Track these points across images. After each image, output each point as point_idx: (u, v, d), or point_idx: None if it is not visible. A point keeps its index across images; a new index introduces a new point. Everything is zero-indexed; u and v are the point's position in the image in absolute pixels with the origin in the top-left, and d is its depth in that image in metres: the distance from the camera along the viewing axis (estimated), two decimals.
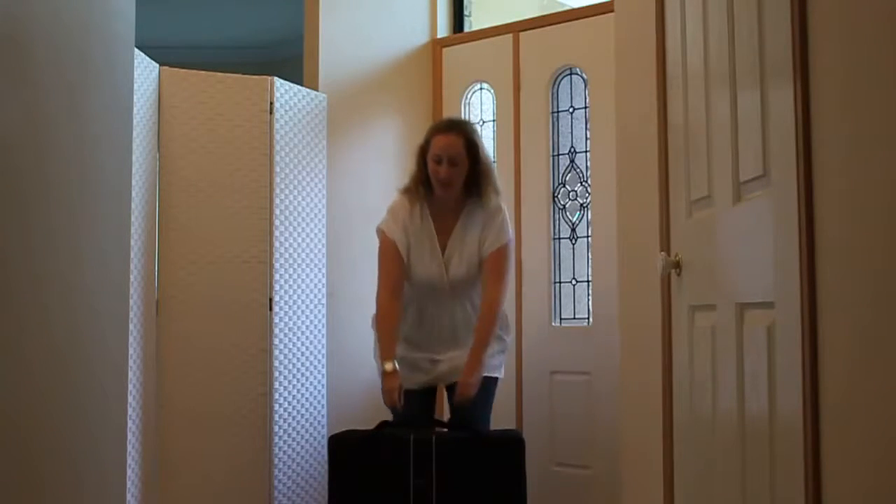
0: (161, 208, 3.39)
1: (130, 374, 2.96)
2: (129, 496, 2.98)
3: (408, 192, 3.23)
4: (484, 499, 2.96)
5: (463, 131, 3.19)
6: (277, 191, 3.60)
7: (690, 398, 2.19)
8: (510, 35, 4.20)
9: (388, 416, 3.13)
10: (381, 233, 3.22)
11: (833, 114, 1.45)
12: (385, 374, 3.05)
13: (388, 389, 3.04)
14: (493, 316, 3.16)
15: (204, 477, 3.40)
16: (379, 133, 4.26)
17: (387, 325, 3.14)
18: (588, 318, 3.97)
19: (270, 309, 3.55)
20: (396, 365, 3.07)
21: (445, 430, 3.13)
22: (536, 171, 4.08)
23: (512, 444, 3.04)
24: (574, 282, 4.02)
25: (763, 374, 1.70)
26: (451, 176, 3.13)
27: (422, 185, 3.20)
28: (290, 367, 3.63)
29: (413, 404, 3.14)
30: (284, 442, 3.59)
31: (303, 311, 3.70)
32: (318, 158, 3.82)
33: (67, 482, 1.62)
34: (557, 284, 4.04)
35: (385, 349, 3.11)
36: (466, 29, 4.55)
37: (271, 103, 3.61)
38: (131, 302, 2.94)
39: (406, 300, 3.24)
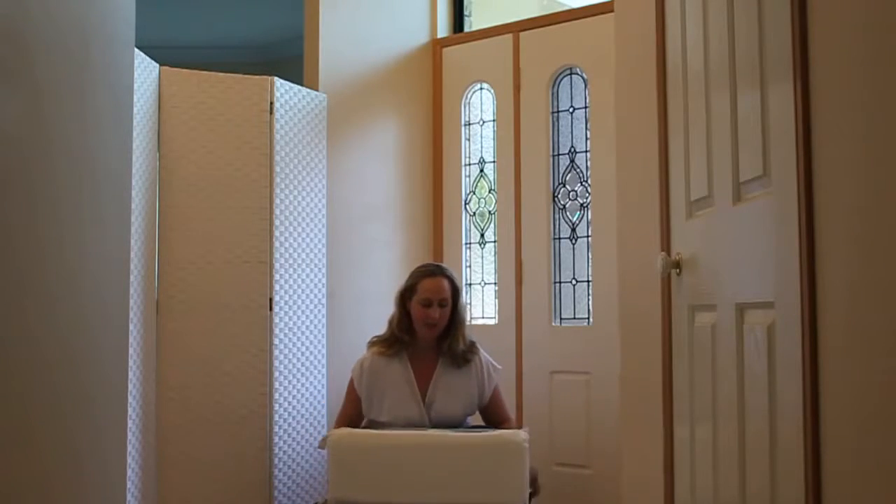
0: (161, 208, 3.39)
1: (130, 374, 2.96)
2: (129, 496, 2.98)
3: (386, 343, 3.29)
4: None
5: (448, 275, 3.33)
6: (277, 191, 3.60)
7: (690, 398, 2.19)
8: (510, 35, 4.20)
9: None
10: (349, 382, 3.32)
11: (833, 114, 1.45)
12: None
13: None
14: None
15: (204, 477, 3.40)
16: (379, 133, 4.26)
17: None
18: (588, 318, 3.97)
19: (270, 309, 3.55)
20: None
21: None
22: (536, 171, 4.08)
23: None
24: (574, 282, 4.02)
25: (763, 374, 1.70)
26: (441, 317, 3.24)
27: (405, 333, 3.27)
28: (290, 367, 3.63)
29: None
30: (284, 442, 3.58)
31: (303, 311, 3.70)
32: (318, 158, 3.82)
33: (70, 480, 1.62)
34: (557, 284, 4.04)
35: None
36: (466, 29, 4.55)
37: (271, 103, 3.61)
38: (131, 302, 2.94)
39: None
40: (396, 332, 3.28)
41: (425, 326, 3.24)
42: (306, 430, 3.70)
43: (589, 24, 3.95)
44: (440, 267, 3.43)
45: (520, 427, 3.31)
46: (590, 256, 3.96)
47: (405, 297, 3.29)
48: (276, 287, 3.57)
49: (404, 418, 3.21)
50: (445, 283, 3.27)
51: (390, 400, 3.23)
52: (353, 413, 3.28)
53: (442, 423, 3.22)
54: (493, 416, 3.33)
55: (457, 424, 3.26)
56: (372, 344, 3.35)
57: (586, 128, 4.01)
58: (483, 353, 3.34)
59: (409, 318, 3.28)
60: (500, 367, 3.41)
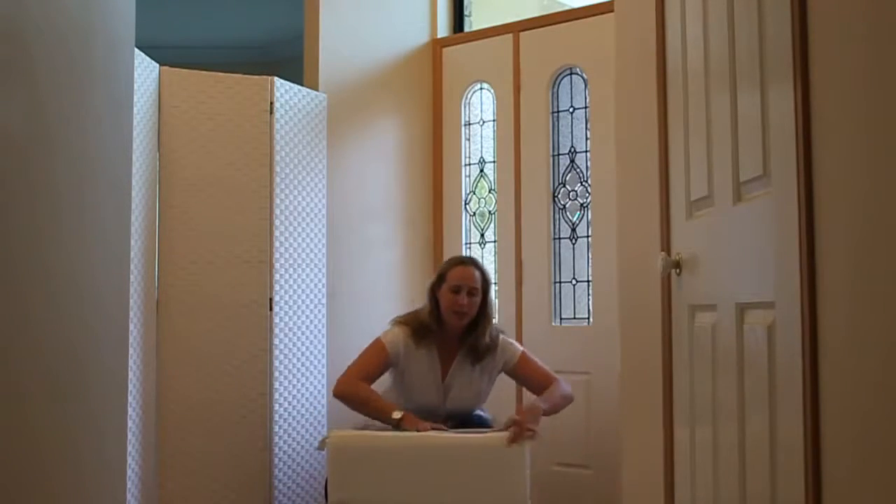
0: (161, 208, 3.39)
1: (130, 374, 2.96)
2: (129, 496, 2.98)
3: (418, 335, 3.24)
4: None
5: (479, 266, 3.30)
6: (277, 191, 3.60)
7: (690, 398, 2.19)
8: (510, 35, 4.20)
9: None
10: (377, 342, 3.24)
11: (833, 114, 1.45)
12: (403, 420, 3.04)
13: (416, 427, 3.04)
14: (562, 391, 3.22)
15: (204, 477, 3.40)
16: (379, 133, 4.26)
17: (366, 389, 3.15)
18: (588, 318, 3.97)
19: (270, 309, 3.55)
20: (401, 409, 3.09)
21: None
22: (536, 171, 4.08)
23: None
24: (574, 282, 4.02)
25: (763, 374, 1.70)
26: (469, 306, 3.20)
27: (435, 321, 3.23)
28: (290, 367, 3.63)
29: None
30: (284, 442, 3.58)
31: (303, 311, 3.70)
32: (318, 158, 3.83)
33: (65, 483, 1.62)
34: (557, 284, 4.04)
35: (382, 403, 3.13)
36: (466, 29, 4.55)
37: (271, 103, 3.61)
38: (131, 302, 2.94)
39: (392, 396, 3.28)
40: (427, 320, 3.23)
41: (454, 314, 3.20)
42: (306, 430, 3.70)
43: (589, 24, 3.95)
44: (471, 258, 3.47)
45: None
46: (590, 256, 3.96)
47: (435, 287, 3.26)
48: (276, 287, 3.56)
49: (423, 405, 3.21)
50: (475, 272, 3.24)
51: (414, 387, 3.22)
52: (374, 373, 3.20)
53: (456, 411, 3.24)
54: (532, 382, 3.30)
55: (469, 413, 3.28)
56: (399, 324, 3.28)
57: (586, 128, 4.02)
58: (503, 338, 3.32)
59: (438, 309, 3.24)
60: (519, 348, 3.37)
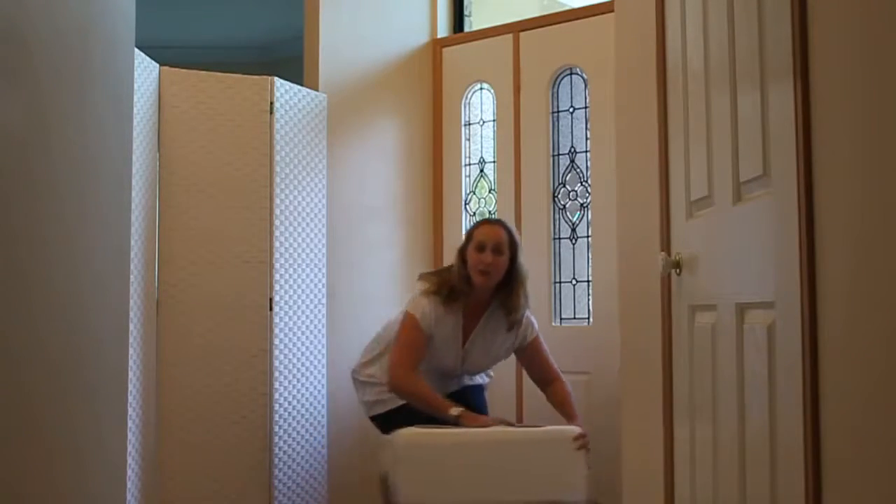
0: (161, 208, 3.38)
1: (130, 374, 2.96)
2: (129, 496, 2.98)
3: (447, 298, 3.23)
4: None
5: (506, 227, 3.30)
6: (277, 191, 3.59)
7: (690, 398, 2.19)
8: (510, 35, 4.20)
9: None
10: (412, 318, 3.22)
11: (833, 114, 1.45)
12: (462, 417, 3.06)
13: (481, 423, 3.07)
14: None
15: (204, 477, 3.40)
16: (379, 133, 4.26)
17: (425, 386, 3.16)
18: (588, 318, 3.97)
19: (270, 309, 3.55)
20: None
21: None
22: (536, 171, 4.08)
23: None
24: (574, 282, 4.02)
25: (763, 374, 1.70)
26: (494, 263, 3.19)
27: (464, 283, 3.23)
28: (290, 367, 3.63)
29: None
30: (284, 442, 3.58)
31: (303, 311, 3.70)
32: (318, 158, 3.82)
33: (65, 483, 1.62)
34: (557, 284, 4.04)
35: (440, 400, 3.14)
36: (466, 29, 4.55)
37: (271, 103, 3.61)
38: (131, 302, 2.94)
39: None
40: (456, 283, 3.23)
41: (479, 273, 3.18)
42: (306, 430, 3.70)
43: (589, 24, 3.94)
44: (500, 219, 3.47)
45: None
46: (590, 256, 3.96)
47: (463, 248, 3.27)
48: (276, 287, 3.56)
49: (439, 368, 3.25)
50: (502, 232, 3.23)
51: (435, 351, 3.23)
52: (422, 355, 3.20)
53: (471, 373, 3.33)
54: (536, 367, 3.36)
55: (484, 370, 3.39)
56: (428, 294, 3.25)
57: (586, 128, 4.01)
58: (528, 313, 3.33)
59: (467, 270, 3.23)
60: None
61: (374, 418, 3.33)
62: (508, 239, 3.22)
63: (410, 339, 3.20)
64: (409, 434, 3.02)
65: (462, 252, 3.26)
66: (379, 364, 3.32)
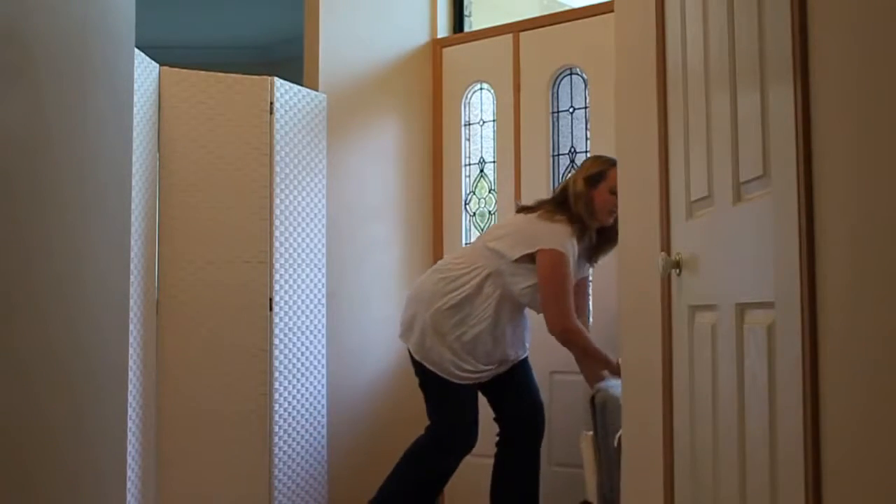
0: (161, 208, 3.39)
1: (130, 374, 2.96)
2: (129, 496, 2.98)
3: (578, 233, 3.27)
4: None
5: None
6: (277, 191, 3.60)
7: (690, 398, 2.19)
8: (510, 35, 4.20)
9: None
10: (562, 257, 3.22)
11: (833, 114, 1.45)
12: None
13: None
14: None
15: (204, 477, 3.40)
16: (379, 133, 4.26)
17: (592, 341, 3.28)
18: (588, 318, 3.97)
19: (270, 309, 3.55)
20: None
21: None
22: (536, 171, 4.08)
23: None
24: None
25: (763, 374, 1.70)
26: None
27: (591, 217, 3.28)
28: (290, 367, 3.63)
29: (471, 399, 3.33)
30: (284, 442, 3.59)
31: (303, 311, 3.70)
32: (318, 158, 3.83)
33: (64, 483, 1.62)
34: None
35: (603, 353, 3.25)
36: (466, 29, 4.55)
37: (271, 103, 3.61)
38: (131, 302, 2.94)
39: (505, 319, 3.31)
40: (584, 218, 3.26)
41: (609, 214, 3.23)
42: (306, 430, 3.70)
43: (589, 24, 3.95)
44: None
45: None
46: None
47: (591, 182, 3.28)
48: (276, 287, 3.57)
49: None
50: None
51: None
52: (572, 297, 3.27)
53: None
54: (581, 300, 3.46)
55: None
56: (567, 223, 3.27)
57: (586, 128, 4.01)
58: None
59: (594, 207, 3.27)
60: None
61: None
62: None
63: (566, 282, 3.21)
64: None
65: (589, 186, 3.27)
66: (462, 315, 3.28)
